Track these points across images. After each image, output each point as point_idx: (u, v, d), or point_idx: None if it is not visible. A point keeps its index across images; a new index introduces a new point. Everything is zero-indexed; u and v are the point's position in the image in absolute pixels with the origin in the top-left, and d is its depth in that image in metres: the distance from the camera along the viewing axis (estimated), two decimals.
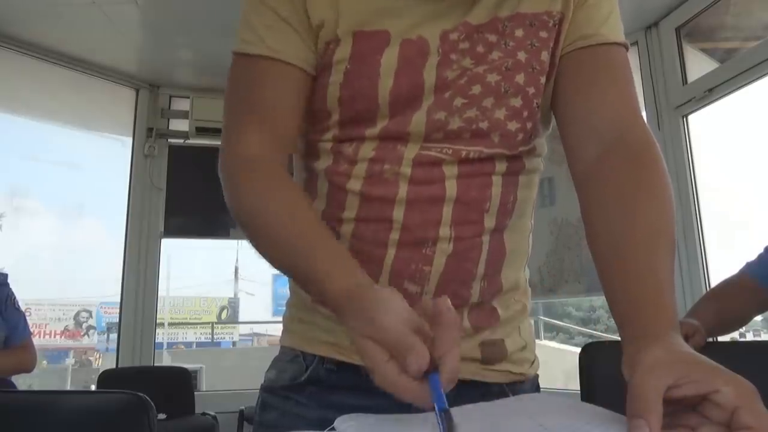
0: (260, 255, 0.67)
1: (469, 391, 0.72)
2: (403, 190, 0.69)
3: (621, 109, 0.69)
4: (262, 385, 0.79)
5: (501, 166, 0.72)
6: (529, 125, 0.72)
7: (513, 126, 0.71)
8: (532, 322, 0.84)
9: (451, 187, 0.69)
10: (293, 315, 0.79)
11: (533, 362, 0.79)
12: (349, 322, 0.54)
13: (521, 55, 0.70)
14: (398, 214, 0.69)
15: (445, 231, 0.69)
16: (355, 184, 0.70)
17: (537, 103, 0.71)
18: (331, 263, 0.59)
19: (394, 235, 0.69)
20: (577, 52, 0.71)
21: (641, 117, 0.70)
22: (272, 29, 0.72)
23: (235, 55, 0.74)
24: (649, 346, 0.48)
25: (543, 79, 0.71)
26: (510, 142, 0.71)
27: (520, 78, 0.70)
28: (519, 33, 0.70)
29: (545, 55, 0.71)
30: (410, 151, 0.70)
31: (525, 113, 0.71)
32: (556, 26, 0.72)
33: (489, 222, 0.71)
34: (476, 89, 0.69)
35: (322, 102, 0.72)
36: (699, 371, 0.44)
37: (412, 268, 0.69)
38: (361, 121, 0.71)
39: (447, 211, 0.69)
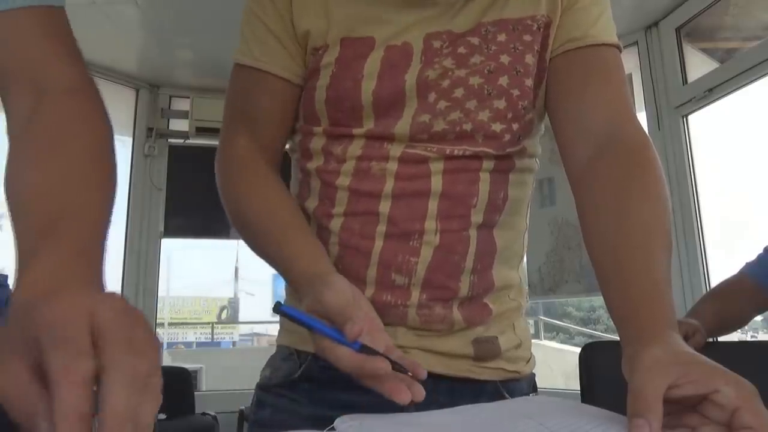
0: (243, 240, 0.75)
1: (462, 389, 0.73)
2: (389, 185, 0.71)
3: (613, 108, 0.69)
4: (257, 383, 0.80)
5: (488, 164, 0.73)
6: (515, 126, 0.72)
7: (497, 127, 0.72)
8: (532, 322, 0.85)
9: (437, 183, 0.71)
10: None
11: (529, 360, 0.80)
12: (303, 300, 0.63)
13: (504, 59, 0.71)
14: (384, 207, 0.71)
15: (430, 224, 0.70)
16: (344, 181, 0.73)
17: (523, 105, 0.72)
18: (299, 251, 0.68)
19: (381, 228, 0.71)
20: (567, 54, 0.72)
21: (635, 116, 0.70)
22: (261, 41, 0.76)
23: (234, 65, 0.79)
24: (647, 347, 0.48)
25: (529, 82, 0.72)
26: (495, 143, 0.72)
27: (503, 80, 0.71)
28: (501, 37, 0.72)
29: (530, 58, 0.72)
30: (396, 149, 0.72)
31: (509, 115, 0.71)
32: (541, 29, 0.73)
33: (476, 217, 0.72)
34: (459, 92, 0.71)
35: (311, 104, 0.75)
36: (699, 371, 0.44)
37: (399, 260, 0.70)
38: (347, 121, 0.73)
39: (433, 205, 0.71)
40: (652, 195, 0.62)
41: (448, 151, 0.71)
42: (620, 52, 0.74)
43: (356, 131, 0.73)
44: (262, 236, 0.72)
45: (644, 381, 0.44)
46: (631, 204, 0.61)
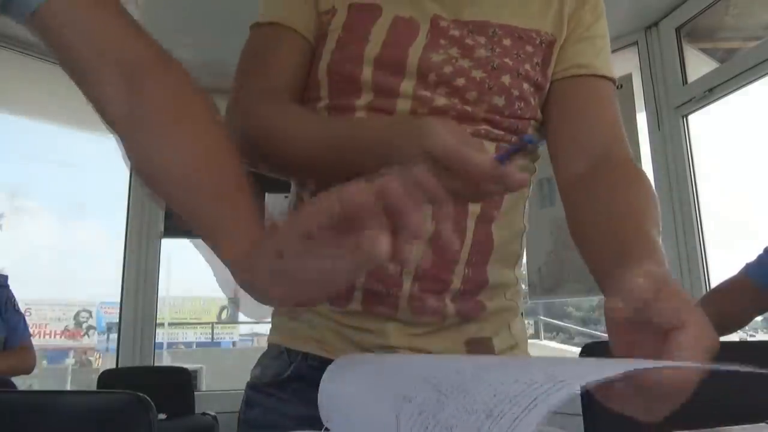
0: (274, 168, 0.72)
1: None
2: None
3: (610, 133, 0.74)
4: (247, 382, 0.79)
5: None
6: (512, 120, 0.74)
7: (495, 117, 0.73)
8: (532, 322, 0.85)
9: None
10: (281, 312, 0.80)
11: None
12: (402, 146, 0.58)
13: (507, 60, 0.73)
14: None
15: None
16: None
17: (519, 107, 0.73)
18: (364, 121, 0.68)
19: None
20: (571, 80, 0.77)
21: (626, 141, 0.75)
22: (283, 1, 0.77)
23: (250, 30, 0.80)
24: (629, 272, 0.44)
25: (527, 87, 0.74)
26: (495, 123, 0.74)
27: (505, 79, 0.72)
28: (507, 42, 0.74)
29: (529, 67, 0.74)
30: None
31: (506, 112, 0.73)
32: (543, 45, 0.76)
33: (474, 207, 0.73)
34: (460, 81, 0.72)
35: (314, 71, 0.75)
36: (671, 302, 0.41)
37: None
38: (346, 87, 0.73)
39: None
40: (643, 191, 0.65)
41: None
42: (615, 86, 0.79)
43: (357, 103, 0.73)
44: (315, 145, 0.67)
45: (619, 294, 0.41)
46: (624, 195, 0.64)
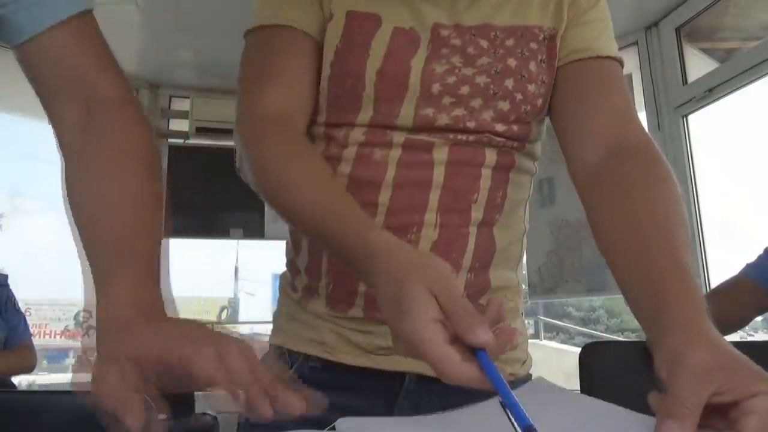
0: (283, 217, 0.66)
1: (455, 391, 0.72)
2: (390, 173, 0.70)
3: (621, 114, 0.71)
4: None
5: (491, 157, 0.73)
6: (515, 128, 0.73)
7: (500, 128, 0.72)
8: (532, 322, 0.85)
9: (439, 174, 0.71)
10: (282, 313, 0.80)
11: (524, 362, 0.79)
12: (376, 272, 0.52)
13: (511, 62, 0.72)
14: (384, 197, 0.70)
15: (431, 217, 0.70)
16: (345, 168, 0.72)
17: (525, 110, 0.72)
18: (367, 219, 0.59)
19: (379, 219, 0.70)
20: (572, 65, 0.74)
21: (639, 122, 0.72)
22: (289, 2, 0.74)
23: (250, 34, 0.76)
24: (690, 344, 0.46)
25: (531, 88, 0.73)
26: (498, 132, 0.73)
27: (509, 83, 0.72)
28: (510, 43, 0.73)
29: (534, 66, 0.73)
30: (399, 137, 0.71)
31: (512, 117, 0.72)
32: (546, 41, 0.74)
33: (477, 213, 0.72)
34: (465, 89, 0.71)
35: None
36: (742, 377, 0.43)
37: None
38: (348, 102, 0.72)
39: (434, 197, 0.70)
40: (667, 184, 0.63)
41: (451, 136, 0.71)
42: (621, 66, 0.76)
43: (359, 119, 0.72)
44: (317, 209, 0.61)
45: (688, 388, 0.43)
46: (649, 192, 0.62)
